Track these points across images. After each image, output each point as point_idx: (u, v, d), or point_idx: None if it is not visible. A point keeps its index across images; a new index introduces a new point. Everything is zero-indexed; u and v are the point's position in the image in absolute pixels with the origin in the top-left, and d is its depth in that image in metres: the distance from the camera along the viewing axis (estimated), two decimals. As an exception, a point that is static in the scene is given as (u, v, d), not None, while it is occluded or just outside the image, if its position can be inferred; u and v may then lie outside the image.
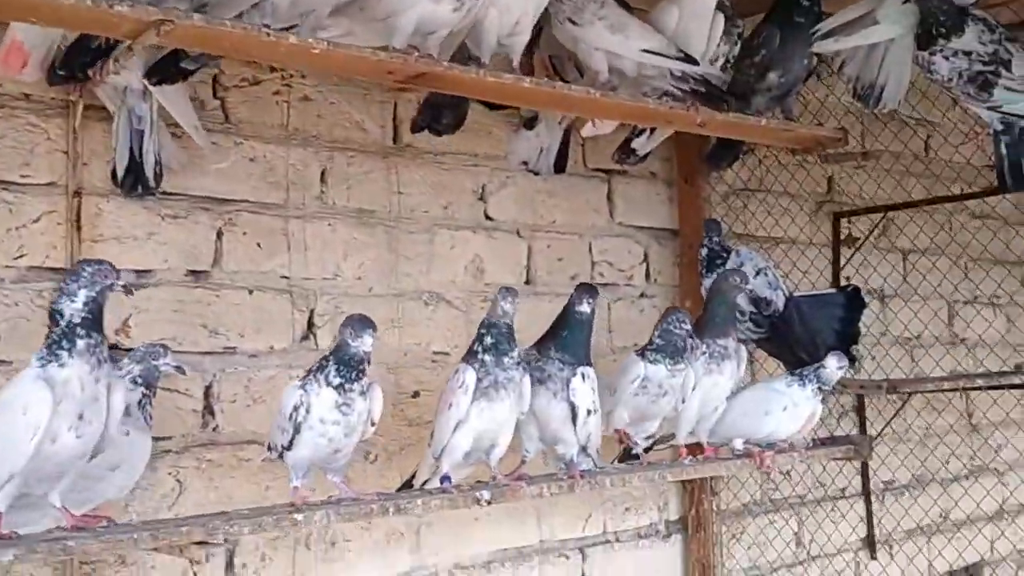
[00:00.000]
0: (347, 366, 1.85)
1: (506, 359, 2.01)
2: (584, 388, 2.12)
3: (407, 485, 2.24)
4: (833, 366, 2.42)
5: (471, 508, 2.46)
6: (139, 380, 1.88)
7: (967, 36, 2.38)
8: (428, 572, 2.52)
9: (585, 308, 2.14)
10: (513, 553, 2.69)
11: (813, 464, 3.37)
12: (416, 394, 2.53)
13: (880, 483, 3.68)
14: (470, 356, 2.02)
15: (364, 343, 1.84)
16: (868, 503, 3.58)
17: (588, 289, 2.18)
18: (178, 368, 1.93)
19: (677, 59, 2.24)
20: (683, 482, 3.06)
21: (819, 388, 2.45)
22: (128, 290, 1.67)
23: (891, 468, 3.67)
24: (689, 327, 2.35)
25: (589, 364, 2.15)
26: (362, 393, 1.88)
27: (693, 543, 3.01)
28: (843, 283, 3.48)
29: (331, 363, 1.85)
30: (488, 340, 2.01)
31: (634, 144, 2.73)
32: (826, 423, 3.39)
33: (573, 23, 2.31)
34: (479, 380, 1.98)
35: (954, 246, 3.86)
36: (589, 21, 2.29)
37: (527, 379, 2.06)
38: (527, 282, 2.79)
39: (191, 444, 2.18)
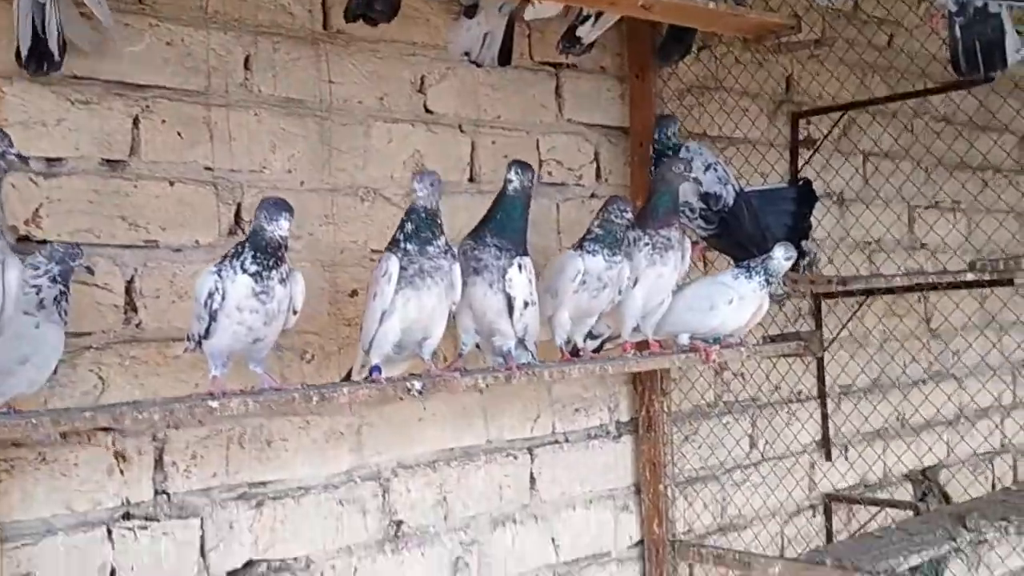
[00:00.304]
0: (264, 252, 1.78)
1: (430, 247, 1.94)
2: (521, 279, 2.06)
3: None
4: (780, 256, 2.37)
5: (405, 400, 2.48)
6: (58, 279, 1.80)
7: (920, -89, 2.27)
8: (370, 471, 2.48)
9: (514, 181, 2.06)
10: (459, 453, 2.65)
11: (766, 365, 3.34)
12: (354, 293, 2.45)
13: (837, 387, 3.66)
14: (392, 244, 1.95)
15: (280, 227, 1.77)
16: (823, 405, 3.57)
17: (517, 162, 2.11)
18: (89, 269, 1.86)
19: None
20: (633, 383, 3.03)
21: (767, 280, 2.40)
22: (22, 159, 1.57)
23: (849, 372, 3.66)
24: (631, 216, 2.29)
25: (526, 253, 2.09)
26: (282, 281, 1.81)
27: (644, 443, 2.99)
28: (799, 182, 3.42)
29: (247, 249, 1.78)
30: (408, 227, 1.94)
31: (579, 32, 2.61)
32: (781, 327, 3.36)
33: None
34: (403, 268, 1.91)
35: (917, 148, 3.79)
36: None
37: (457, 268, 1.99)
38: (471, 180, 2.70)
39: (113, 340, 2.10)
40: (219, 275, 1.77)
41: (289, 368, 2.35)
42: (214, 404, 1.67)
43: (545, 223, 2.85)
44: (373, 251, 2.48)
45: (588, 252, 2.25)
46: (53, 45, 1.89)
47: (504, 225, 2.07)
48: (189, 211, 2.21)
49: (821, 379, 3.57)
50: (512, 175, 2.08)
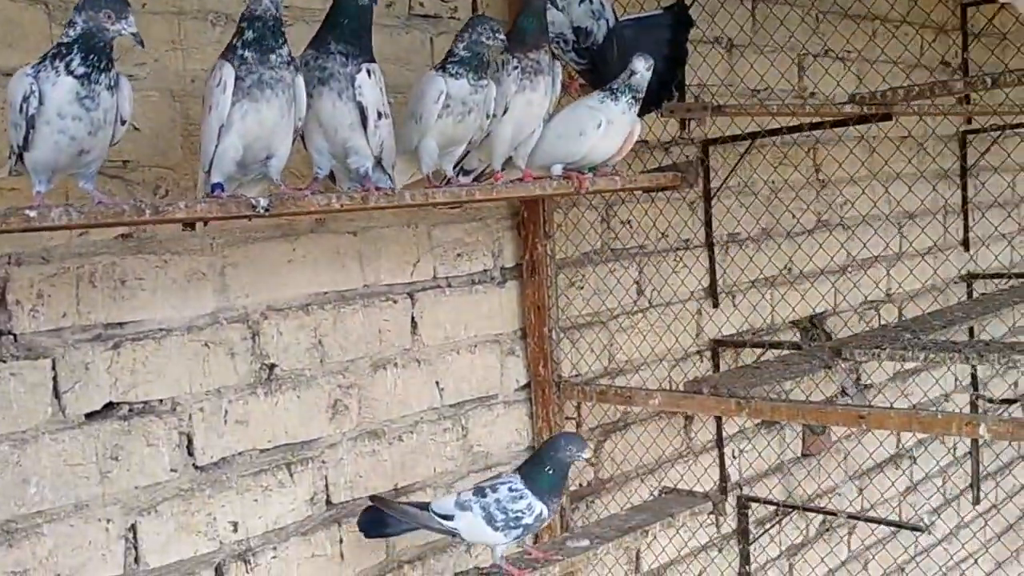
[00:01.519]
0: (99, 54, 1.64)
1: (273, 56, 1.82)
2: (371, 84, 1.95)
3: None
4: (641, 68, 2.32)
5: (272, 241, 2.39)
6: None
7: None
8: (237, 313, 2.39)
9: None
10: (334, 296, 2.58)
11: (654, 212, 3.33)
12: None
13: (725, 235, 3.68)
14: (228, 52, 1.82)
15: (129, 24, 1.63)
16: (711, 252, 3.60)
17: None
18: None
19: None
20: (517, 228, 2.99)
21: (633, 98, 2.34)
22: None
23: (737, 221, 3.68)
24: (504, 39, 2.19)
25: (373, 60, 1.98)
26: (109, 87, 1.68)
27: (528, 287, 2.96)
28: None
29: (76, 50, 1.63)
30: (250, 34, 1.81)
31: None
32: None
33: None
34: (240, 79, 1.79)
35: (804, -3, 3.75)
36: None
37: (300, 80, 1.88)
38: (334, 6, 2.56)
39: (-63, 172, 1.95)
40: (35, 77, 1.62)
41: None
42: (32, 213, 1.55)
43: (419, 58, 2.73)
44: (230, 82, 2.33)
45: (451, 75, 2.15)
46: None
47: (347, 29, 1.94)
48: (18, 31, 2.03)
49: (708, 225, 3.58)
50: None
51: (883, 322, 4.45)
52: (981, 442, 4.86)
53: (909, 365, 4.43)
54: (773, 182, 3.85)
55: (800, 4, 3.80)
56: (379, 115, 1.97)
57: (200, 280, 2.33)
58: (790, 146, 3.88)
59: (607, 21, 2.61)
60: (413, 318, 2.77)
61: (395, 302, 2.72)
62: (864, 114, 2.96)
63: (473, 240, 2.91)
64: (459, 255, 2.88)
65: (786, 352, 3.27)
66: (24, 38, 2.05)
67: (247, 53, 1.80)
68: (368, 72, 1.93)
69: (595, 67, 2.63)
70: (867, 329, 3.97)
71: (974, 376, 4.84)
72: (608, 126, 2.36)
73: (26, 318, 2.07)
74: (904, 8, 4.40)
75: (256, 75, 1.80)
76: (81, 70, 1.63)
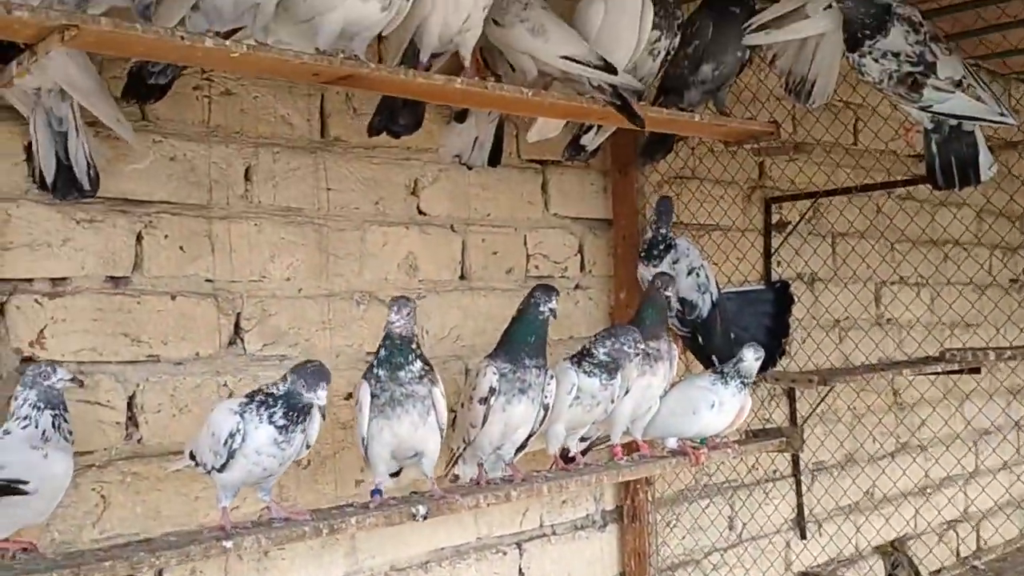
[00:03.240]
0: (297, 411, 1.83)
1: (402, 373, 1.97)
2: (553, 388, 2.19)
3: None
4: (751, 358, 2.46)
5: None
6: (40, 405, 1.76)
7: (893, 36, 2.38)
8: (364, 575, 2.49)
9: (551, 307, 2.17)
10: (450, 552, 2.67)
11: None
12: (348, 396, 2.47)
13: (810, 464, 3.75)
14: (368, 370, 2.00)
15: (319, 397, 1.82)
16: (798, 485, 3.65)
17: (550, 290, 2.19)
18: (74, 380, 1.83)
19: (596, 67, 2.22)
20: (618, 473, 3.08)
21: (742, 382, 2.47)
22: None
23: (821, 449, 3.74)
24: (644, 347, 2.34)
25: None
26: (303, 431, 1.85)
27: (628, 533, 3.03)
28: (774, 267, 3.52)
29: (280, 406, 1.82)
30: (383, 352, 1.98)
31: (583, 140, 2.70)
32: (757, 410, 3.44)
33: (496, 23, 2.27)
34: (375, 396, 1.96)
35: (877, 230, 3.92)
36: (511, 23, 2.26)
37: (438, 391, 2.02)
38: (462, 277, 2.75)
39: (115, 458, 2.10)
40: (242, 417, 1.79)
41: (286, 475, 2.34)
42: (228, 544, 1.68)
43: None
44: (368, 354, 2.49)
45: (585, 372, 2.29)
46: (82, 175, 1.91)
47: (534, 344, 2.16)
48: (190, 324, 2.22)
49: (795, 457, 3.65)
50: (553, 303, 2.17)
51: (960, 540, 4.44)
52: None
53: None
54: (854, 408, 3.93)
55: (872, 235, 3.97)
56: None
57: (333, 545, 2.43)
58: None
59: (711, 295, 2.76)
60: (520, 569, 2.84)
61: (504, 554, 2.80)
62: (956, 369, 3.06)
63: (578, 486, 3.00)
64: (564, 502, 2.97)
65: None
66: (195, 329, 2.23)
67: (380, 371, 1.97)
68: (552, 376, 2.18)
69: (696, 336, 2.76)
70: (954, 560, 3.95)
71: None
72: (720, 406, 2.48)
73: (179, 595, 2.17)
74: (973, 234, 4.57)
75: (388, 393, 1.96)
76: (282, 422, 1.81)
